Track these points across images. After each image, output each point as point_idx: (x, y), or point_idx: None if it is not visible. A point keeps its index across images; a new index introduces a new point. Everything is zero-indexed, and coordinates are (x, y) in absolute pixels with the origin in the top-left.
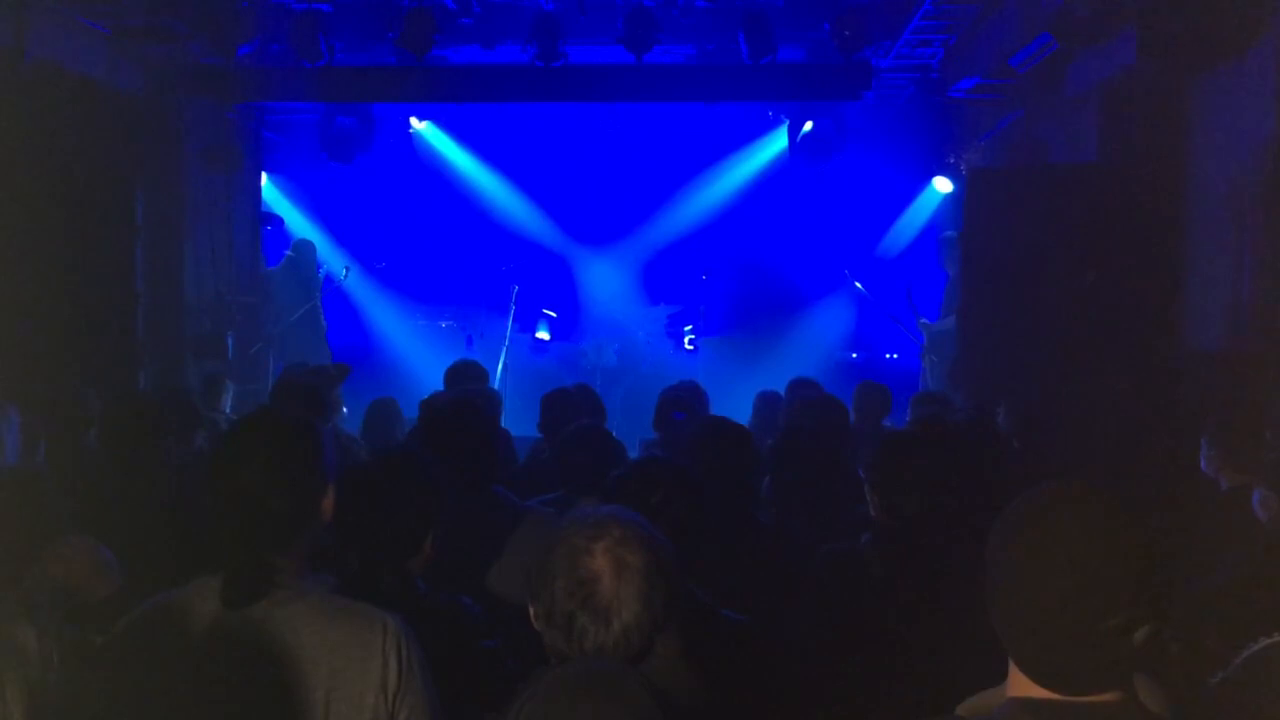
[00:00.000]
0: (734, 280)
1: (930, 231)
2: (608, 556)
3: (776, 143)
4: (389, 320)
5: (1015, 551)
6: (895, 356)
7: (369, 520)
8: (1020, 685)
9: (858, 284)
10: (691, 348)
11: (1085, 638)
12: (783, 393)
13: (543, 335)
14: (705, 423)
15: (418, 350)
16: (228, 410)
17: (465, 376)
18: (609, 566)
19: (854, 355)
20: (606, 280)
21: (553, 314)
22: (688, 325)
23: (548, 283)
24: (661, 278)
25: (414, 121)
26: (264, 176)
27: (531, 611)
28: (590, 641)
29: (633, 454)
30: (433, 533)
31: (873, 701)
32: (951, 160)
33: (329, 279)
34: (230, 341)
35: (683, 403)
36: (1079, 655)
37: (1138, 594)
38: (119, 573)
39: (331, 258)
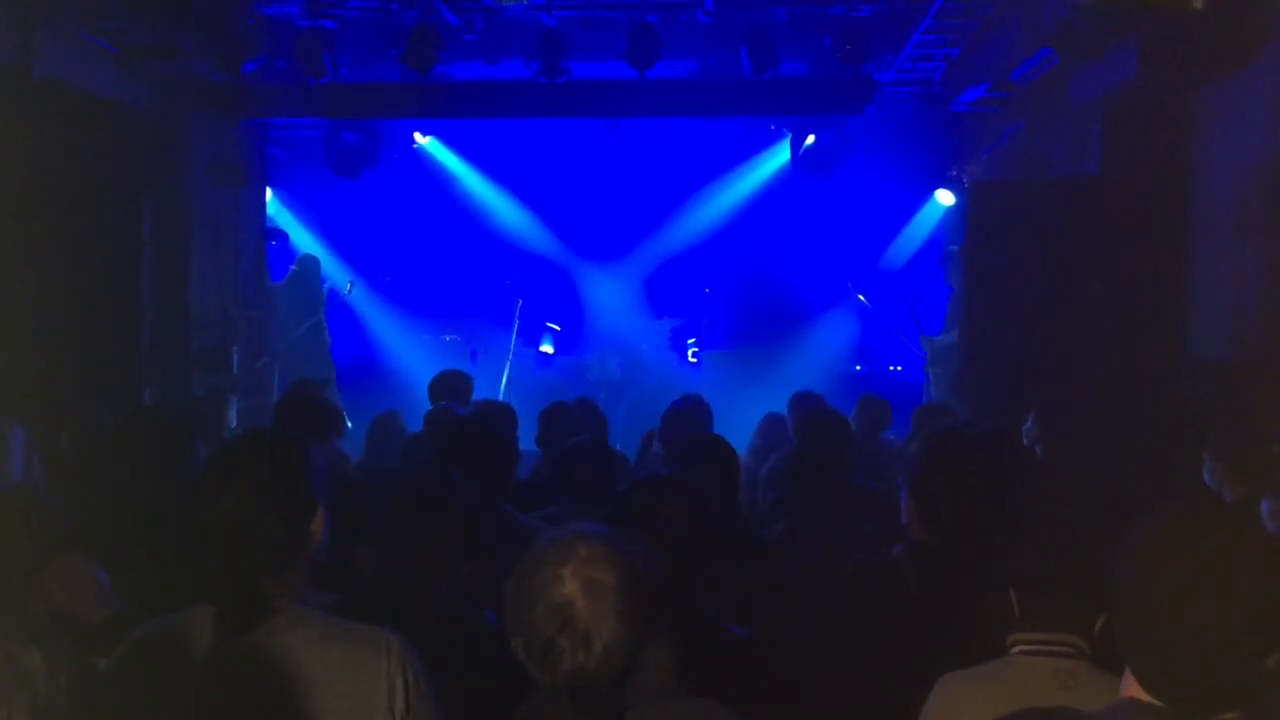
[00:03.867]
0: (737, 293)
1: (933, 244)
2: (577, 579)
3: (779, 156)
4: (393, 334)
5: (1151, 573)
6: (899, 369)
7: (418, 542)
8: (1135, 686)
9: (861, 297)
10: (695, 361)
11: (1219, 662)
12: (785, 408)
13: (546, 349)
14: (695, 440)
15: (422, 364)
16: (233, 424)
17: (450, 391)
18: (580, 589)
19: (858, 368)
20: (610, 294)
21: (556, 327)
22: (691, 338)
23: (551, 296)
24: (665, 291)
25: (418, 137)
26: (269, 192)
27: (513, 644)
28: (567, 664)
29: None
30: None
31: (901, 713)
32: (954, 173)
33: (333, 293)
34: (235, 355)
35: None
36: (1210, 678)
37: (1276, 619)
38: (114, 595)
39: (336, 272)
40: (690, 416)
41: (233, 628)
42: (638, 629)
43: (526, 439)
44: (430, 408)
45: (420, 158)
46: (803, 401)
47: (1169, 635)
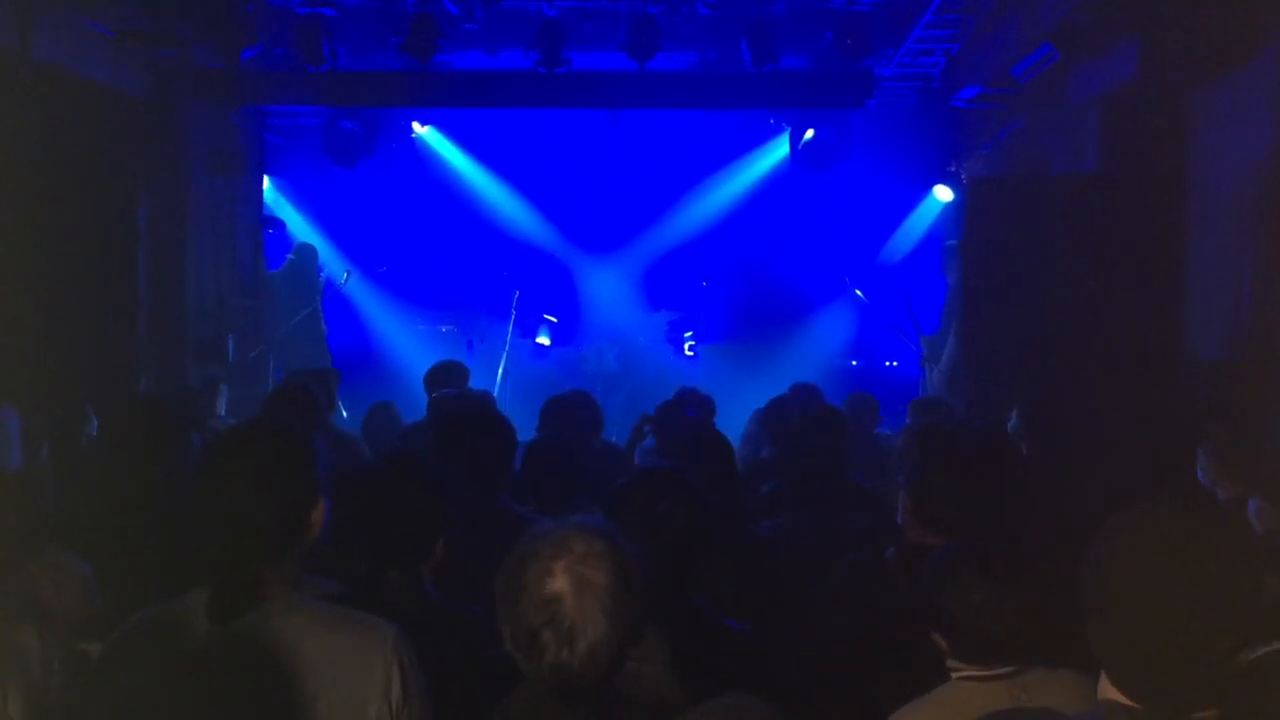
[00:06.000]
0: (735, 287)
1: (931, 240)
2: (569, 575)
3: (778, 150)
4: (389, 324)
5: (1121, 574)
6: (895, 364)
7: (378, 525)
8: (1112, 688)
9: (858, 291)
10: (692, 354)
11: (1194, 661)
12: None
13: (543, 340)
14: (690, 432)
15: (418, 355)
16: (223, 413)
17: (445, 381)
18: (571, 585)
19: (854, 363)
20: (607, 286)
21: (553, 319)
22: (688, 331)
23: (549, 288)
24: (662, 284)
25: (416, 126)
26: (266, 180)
27: (502, 631)
28: (550, 658)
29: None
30: (442, 536)
31: (890, 710)
32: (953, 169)
33: (330, 283)
34: (231, 345)
35: (694, 403)
36: (1185, 677)
37: (1248, 616)
38: (97, 594)
39: (333, 262)
40: (692, 418)
41: (227, 613)
42: (626, 630)
43: (524, 431)
44: (429, 398)
45: (418, 147)
46: (803, 392)
47: (1142, 635)
